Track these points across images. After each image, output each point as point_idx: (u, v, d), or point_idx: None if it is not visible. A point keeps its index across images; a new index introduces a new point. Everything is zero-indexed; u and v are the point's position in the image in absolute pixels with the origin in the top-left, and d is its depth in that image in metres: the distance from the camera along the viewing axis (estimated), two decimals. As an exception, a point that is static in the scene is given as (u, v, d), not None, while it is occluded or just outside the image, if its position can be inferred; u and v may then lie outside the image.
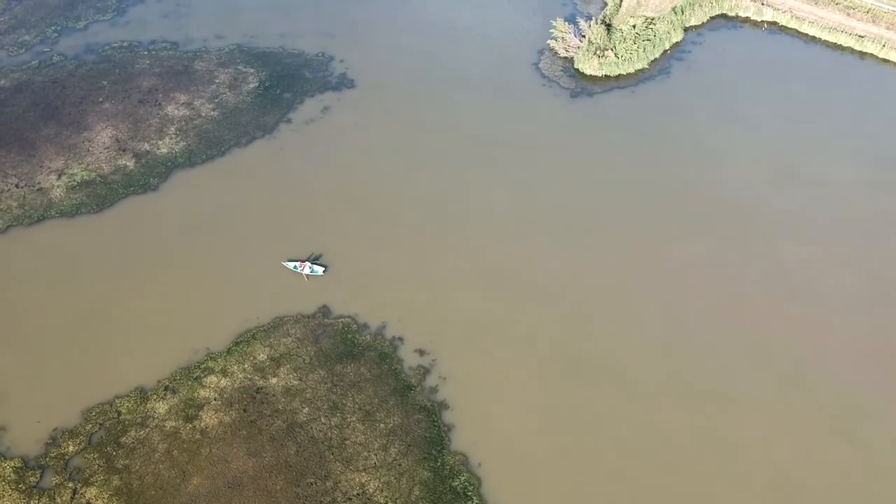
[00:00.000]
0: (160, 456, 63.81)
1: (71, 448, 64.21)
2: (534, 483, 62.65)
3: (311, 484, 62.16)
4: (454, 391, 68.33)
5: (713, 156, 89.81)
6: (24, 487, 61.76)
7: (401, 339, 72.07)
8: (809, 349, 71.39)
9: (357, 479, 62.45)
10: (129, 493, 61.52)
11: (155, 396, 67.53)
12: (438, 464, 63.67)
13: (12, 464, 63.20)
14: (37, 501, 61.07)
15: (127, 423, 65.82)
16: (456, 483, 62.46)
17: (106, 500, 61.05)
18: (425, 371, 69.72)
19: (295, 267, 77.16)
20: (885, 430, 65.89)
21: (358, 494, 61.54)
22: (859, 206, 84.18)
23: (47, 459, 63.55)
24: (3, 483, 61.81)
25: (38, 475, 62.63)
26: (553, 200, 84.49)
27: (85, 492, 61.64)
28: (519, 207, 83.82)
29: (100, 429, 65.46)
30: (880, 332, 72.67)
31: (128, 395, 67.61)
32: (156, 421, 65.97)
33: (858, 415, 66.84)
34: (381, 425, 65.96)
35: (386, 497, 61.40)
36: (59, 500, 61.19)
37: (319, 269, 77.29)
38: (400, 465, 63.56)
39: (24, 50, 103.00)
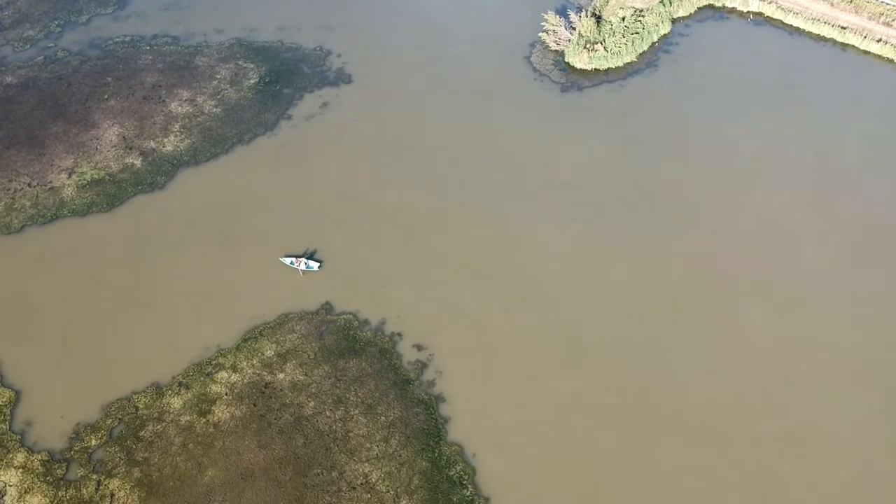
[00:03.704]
0: (177, 449, 68.61)
1: (93, 442, 68.97)
2: (525, 472, 67.60)
3: (318, 474, 67.09)
4: (450, 385, 73.06)
5: (699, 148, 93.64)
6: (51, 479, 66.63)
7: (399, 334, 76.56)
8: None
9: (360, 470, 67.40)
10: (150, 484, 66.44)
11: (170, 392, 72.13)
12: (436, 454, 68.60)
13: (39, 457, 68.00)
14: (64, 493, 65.96)
15: (144, 417, 70.51)
16: (452, 472, 67.46)
17: (128, 492, 65.98)
18: (423, 366, 74.34)
19: (291, 262, 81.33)
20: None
21: (362, 484, 66.53)
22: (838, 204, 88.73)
23: (72, 453, 68.35)
24: (33, 476, 66.67)
25: (64, 468, 67.48)
26: (546, 197, 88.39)
27: (108, 483, 66.57)
28: (513, 204, 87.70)
29: (119, 423, 70.16)
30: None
31: (144, 391, 72.20)
32: (171, 416, 70.65)
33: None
34: (382, 418, 70.76)
35: (387, 486, 66.41)
36: (84, 491, 66.11)
37: (314, 265, 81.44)
38: (400, 455, 68.48)
39: (28, 45, 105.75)
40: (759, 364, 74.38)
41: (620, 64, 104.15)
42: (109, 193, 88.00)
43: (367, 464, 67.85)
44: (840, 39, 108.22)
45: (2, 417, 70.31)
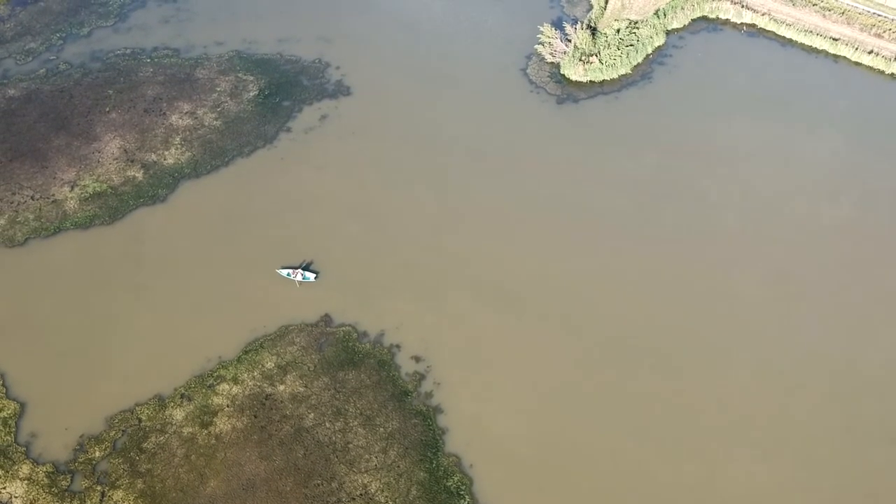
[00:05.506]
0: (179, 460, 69.90)
1: (97, 453, 70.25)
2: (522, 483, 68.96)
3: (318, 485, 68.42)
4: (447, 396, 74.42)
5: (695, 158, 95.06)
6: (56, 491, 67.96)
7: (398, 346, 77.89)
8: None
9: (360, 481, 68.74)
10: (153, 495, 67.75)
11: (172, 404, 73.40)
12: (434, 465, 69.94)
13: (44, 469, 69.30)
14: (69, 504, 67.39)
15: (147, 429, 71.78)
16: (450, 483, 68.82)
17: (131, 503, 67.23)
18: (421, 377, 75.67)
19: (288, 274, 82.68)
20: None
21: (361, 495, 67.87)
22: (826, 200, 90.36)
23: (76, 464, 69.66)
24: (38, 487, 67.98)
25: (68, 479, 68.81)
26: (543, 208, 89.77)
27: (112, 494, 67.93)
28: (510, 215, 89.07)
29: (123, 435, 71.46)
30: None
31: (147, 403, 73.49)
32: (174, 427, 71.93)
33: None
34: (381, 429, 72.07)
35: (386, 497, 67.75)
36: (88, 502, 67.46)
37: (311, 276, 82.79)
38: (399, 466, 69.80)
39: (31, 58, 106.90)
40: (764, 368, 75.81)
41: (615, 76, 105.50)
42: (111, 206, 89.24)
43: (366, 475, 69.15)
44: (832, 51, 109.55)
45: (7, 429, 71.58)
